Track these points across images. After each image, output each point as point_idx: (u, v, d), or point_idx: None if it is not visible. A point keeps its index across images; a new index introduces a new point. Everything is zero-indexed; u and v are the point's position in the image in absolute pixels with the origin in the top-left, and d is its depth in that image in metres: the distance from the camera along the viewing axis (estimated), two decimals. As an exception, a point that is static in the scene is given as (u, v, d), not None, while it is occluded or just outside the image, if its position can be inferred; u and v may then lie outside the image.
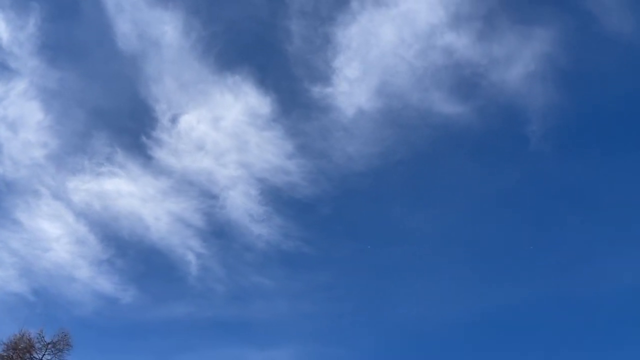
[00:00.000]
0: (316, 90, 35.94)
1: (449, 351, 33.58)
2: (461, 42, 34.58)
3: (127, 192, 37.02)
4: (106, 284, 35.54)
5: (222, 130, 37.28)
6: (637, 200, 33.03)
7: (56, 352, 23.45)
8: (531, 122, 34.13)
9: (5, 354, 22.86)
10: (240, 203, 36.62)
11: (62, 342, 23.62)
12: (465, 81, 34.91)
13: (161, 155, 37.27)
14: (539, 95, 34.07)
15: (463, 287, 34.87)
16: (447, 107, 34.90)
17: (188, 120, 37.25)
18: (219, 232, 36.92)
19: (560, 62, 33.67)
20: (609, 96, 33.58)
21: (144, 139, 37.15)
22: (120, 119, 38.20)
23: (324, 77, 35.93)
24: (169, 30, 36.11)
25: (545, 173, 34.33)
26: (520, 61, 34.08)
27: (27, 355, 23.23)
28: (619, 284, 32.29)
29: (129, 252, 36.51)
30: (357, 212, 36.64)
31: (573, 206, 34.25)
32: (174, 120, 37.16)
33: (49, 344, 23.38)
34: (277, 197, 36.41)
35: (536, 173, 34.43)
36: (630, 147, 33.36)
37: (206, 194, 37.01)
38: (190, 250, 36.23)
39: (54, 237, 35.83)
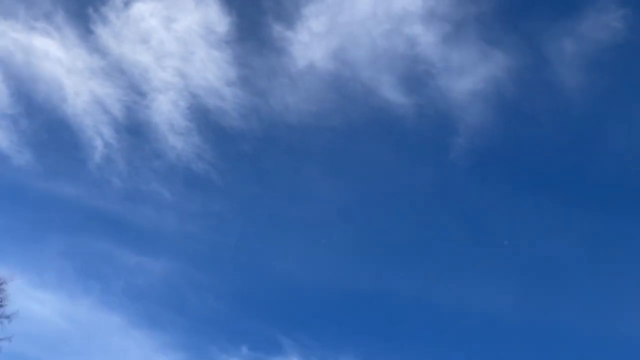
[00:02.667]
0: (277, 29, 35.60)
1: (307, 316, 35.16)
2: (426, 38, 35.26)
3: (55, 57, 35.39)
4: (2, 139, 34.24)
5: (172, 32, 36.22)
6: (522, 242, 35.25)
7: None
8: (459, 136, 35.41)
9: None
10: (166, 110, 35.97)
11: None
12: (416, 76, 35.72)
13: (102, 33, 35.80)
14: (475, 114, 35.35)
15: (344, 262, 36.23)
16: (391, 93, 35.63)
17: (141, 9, 35.82)
18: (135, 129, 36.18)
19: (505, 92, 35.06)
20: (536, 140, 35.47)
21: (90, 10, 35.53)
22: (71, -19, 36.24)
23: (290, 19, 35.61)
24: None
25: (456, 186, 36.01)
26: (471, 76, 35.24)
27: None
28: (485, 310, 34.57)
29: (38, 116, 35.18)
30: (276, 160, 36.97)
31: (466, 224, 36.17)
32: (127, 3, 35.70)
33: None
34: (203, 118, 36.07)
35: (448, 183, 36.04)
36: (538, 195, 35.49)
37: (135, 89, 36.05)
38: (100, 137, 35.33)
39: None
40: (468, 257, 35.12)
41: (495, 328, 33.90)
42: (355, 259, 36.08)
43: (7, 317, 20.08)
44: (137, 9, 35.69)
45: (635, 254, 33.44)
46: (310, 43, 35.55)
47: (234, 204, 36.56)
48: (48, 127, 35.70)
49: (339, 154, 36.76)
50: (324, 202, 36.72)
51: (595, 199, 34.71)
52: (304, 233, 36.77)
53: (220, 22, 35.63)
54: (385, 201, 36.40)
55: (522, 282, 34.47)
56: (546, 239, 34.65)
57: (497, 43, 34.97)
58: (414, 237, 35.94)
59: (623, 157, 34.21)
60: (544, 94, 35.03)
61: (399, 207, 36.28)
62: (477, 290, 34.50)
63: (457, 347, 33.47)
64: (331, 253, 36.15)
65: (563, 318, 33.34)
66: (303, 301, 35.80)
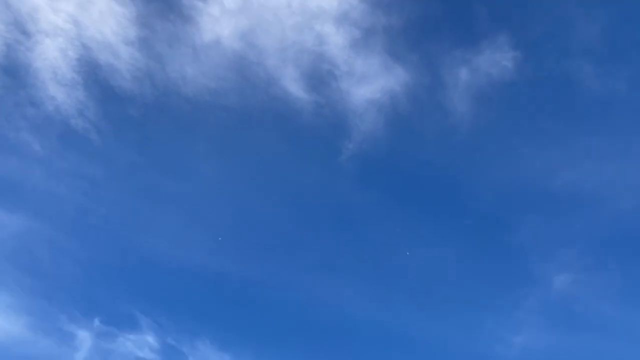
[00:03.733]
0: (188, -3, 34.23)
1: (169, 296, 34.21)
2: (335, 39, 35.64)
3: None
4: None
5: (72, -25, 33.53)
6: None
7: None
8: (350, 140, 36.11)
9: None
10: (52, 56, 33.18)
11: None
12: (319, 74, 35.97)
13: (-8, -42, 32.33)
14: (368, 122, 36.22)
15: (216, 247, 35.57)
16: (292, 86, 35.60)
17: (42, -57, 32.87)
18: (12, 71, 33.00)
19: (399, 106, 36.27)
20: (420, 157, 36.98)
21: None
22: None
23: (202, -9, 34.41)
24: None
25: (340, 189, 36.68)
26: (370, 85, 36.09)
27: None
28: (352, 313, 35.51)
29: None
30: (163, 130, 35.44)
31: (345, 227, 36.88)
32: None
33: None
34: (92, 73, 33.70)
35: (333, 184, 36.60)
36: (414, 208, 37.00)
37: (19, 27, 32.87)
38: (-31, 71, 31.85)
39: None
40: (342, 259, 35.96)
41: (353, 328, 35.01)
42: (228, 246, 35.56)
43: None
44: (37, -60, 32.74)
45: (490, 280, 36.17)
46: (220, 18, 34.58)
47: (111, 170, 34.58)
48: None
49: (230, 136, 36.06)
50: (206, 182, 35.85)
51: (461, 222, 36.99)
52: (179, 210, 35.68)
53: (128, -24, 33.61)
54: (269, 192, 36.26)
55: (385, 290, 35.86)
56: (419, 249, 36.41)
57: (399, 58, 36.11)
58: (293, 232, 36.13)
59: (492, 186, 36.83)
60: (434, 115, 36.70)
61: (281, 200, 36.30)
62: (342, 291, 35.46)
63: (316, 343, 34.16)
64: (203, 234, 35.40)
65: (418, 327, 35.22)
66: (167, 281, 34.71)
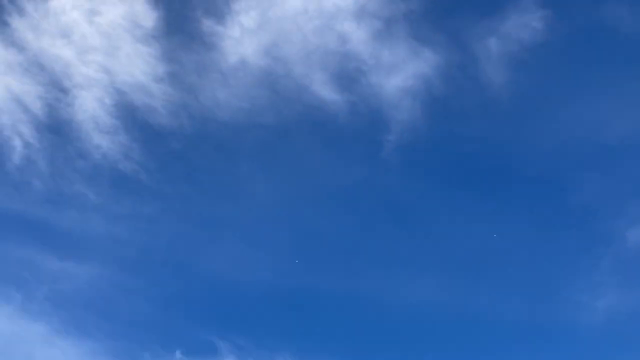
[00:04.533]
0: (207, 23, 34.77)
1: (242, 317, 34.66)
2: (357, 35, 35.46)
3: (-33, 50, 33.15)
4: None
5: (95, 26, 34.64)
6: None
7: None
8: (390, 132, 35.82)
9: None
10: (90, 107, 34.38)
11: None
12: (347, 73, 35.86)
13: (19, 26, 33.79)
14: (405, 111, 35.84)
15: (278, 261, 35.83)
16: (323, 90, 35.61)
17: (62, 1, 34.14)
18: (57, 128, 34.38)
19: (434, 89, 35.71)
20: (464, 135, 36.27)
21: (5, 1, 33.56)
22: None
23: (219, 14, 34.90)
24: None
25: (388, 182, 36.34)
26: (401, 73, 35.69)
27: None
28: (420, 304, 35.10)
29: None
30: (207, 158, 36.04)
31: (398, 220, 36.57)
32: (46, -5, 33.98)
33: None
34: (130, 115, 34.72)
35: (380, 179, 36.32)
36: (465, 189, 36.31)
37: (56, 85, 34.24)
38: (19, 136, 33.33)
39: None
40: (402, 253, 35.60)
41: (430, 321, 34.53)
42: (289, 258, 35.79)
43: None
44: (57, 1, 33.99)
45: (560, 247, 35.03)
46: (241, 38, 35.01)
47: (164, 205, 35.45)
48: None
49: (271, 152, 36.37)
50: (256, 200, 36.24)
51: (520, 193, 36.01)
52: (237, 232, 36.16)
53: (147, 16, 34.47)
54: (319, 199, 36.33)
55: (454, 275, 35.28)
56: (475, 233, 35.64)
57: (425, 41, 35.58)
58: (350, 235, 36.04)
59: (546, 151, 35.72)
60: (470, 91, 35.97)
61: (332, 205, 36.30)
62: (412, 285, 35.01)
63: (394, 342, 33.88)
64: (265, 252, 35.75)
65: (494, 307, 34.42)
66: (238, 302, 35.19)
